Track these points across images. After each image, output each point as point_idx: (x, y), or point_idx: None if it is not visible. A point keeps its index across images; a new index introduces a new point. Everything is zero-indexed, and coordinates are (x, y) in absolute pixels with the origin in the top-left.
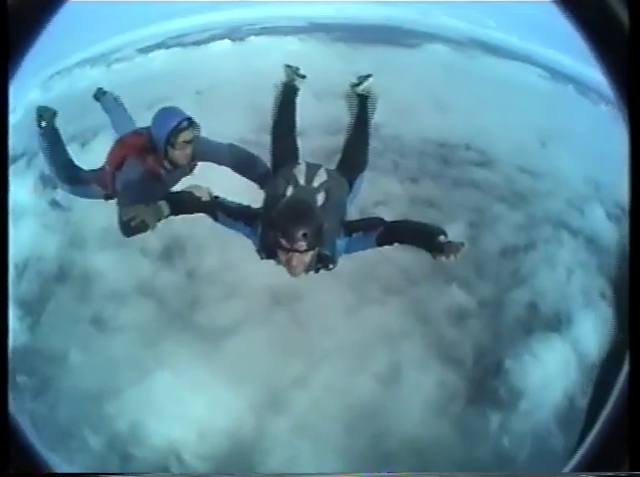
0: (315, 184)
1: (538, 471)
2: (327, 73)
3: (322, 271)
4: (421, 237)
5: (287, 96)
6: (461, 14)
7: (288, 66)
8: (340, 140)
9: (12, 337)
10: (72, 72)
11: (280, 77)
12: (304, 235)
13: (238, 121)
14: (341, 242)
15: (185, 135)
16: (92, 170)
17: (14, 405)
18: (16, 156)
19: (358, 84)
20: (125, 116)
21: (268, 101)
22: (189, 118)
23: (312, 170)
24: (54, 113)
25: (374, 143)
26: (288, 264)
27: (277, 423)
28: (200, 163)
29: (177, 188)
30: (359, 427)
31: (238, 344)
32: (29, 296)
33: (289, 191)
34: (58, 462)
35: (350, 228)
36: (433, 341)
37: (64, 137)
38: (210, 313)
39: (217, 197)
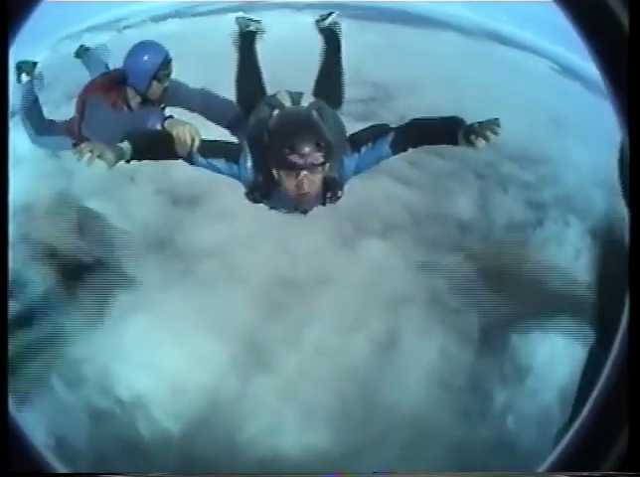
0: (304, 104)
1: (534, 471)
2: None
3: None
4: (442, 130)
5: (245, 43)
6: (472, 8)
7: (240, 17)
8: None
9: None
10: (82, 36)
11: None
12: (317, 144)
13: None
14: (349, 161)
15: (171, 67)
16: (64, 121)
17: None
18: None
19: (323, 20)
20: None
21: (277, 68)
22: (168, 54)
23: (296, 95)
24: (33, 64)
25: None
26: (299, 189)
27: (262, 383)
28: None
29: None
30: (351, 395)
31: (222, 289)
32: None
33: (276, 113)
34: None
35: (356, 141)
36: (437, 307)
37: (64, 95)
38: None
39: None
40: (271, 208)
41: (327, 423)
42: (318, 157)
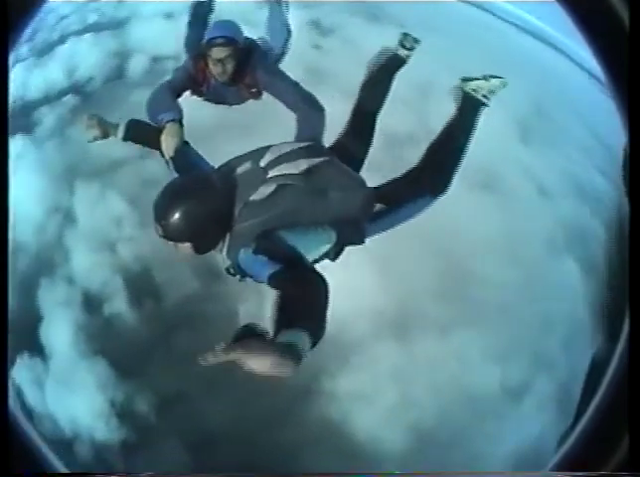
0: (272, 174)
1: (536, 471)
2: None
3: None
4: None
5: (391, 67)
6: None
7: (406, 33)
8: None
9: None
10: None
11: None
12: (163, 223)
13: None
14: (244, 255)
15: (217, 52)
16: None
17: None
18: None
19: (470, 80)
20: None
21: None
22: (227, 37)
23: (293, 156)
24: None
25: None
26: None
27: (384, 348)
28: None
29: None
30: (450, 421)
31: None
32: None
33: (240, 170)
34: None
35: (261, 246)
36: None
37: None
38: None
39: (186, 142)
40: None
41: (409, 431)
42: (158, 230)
